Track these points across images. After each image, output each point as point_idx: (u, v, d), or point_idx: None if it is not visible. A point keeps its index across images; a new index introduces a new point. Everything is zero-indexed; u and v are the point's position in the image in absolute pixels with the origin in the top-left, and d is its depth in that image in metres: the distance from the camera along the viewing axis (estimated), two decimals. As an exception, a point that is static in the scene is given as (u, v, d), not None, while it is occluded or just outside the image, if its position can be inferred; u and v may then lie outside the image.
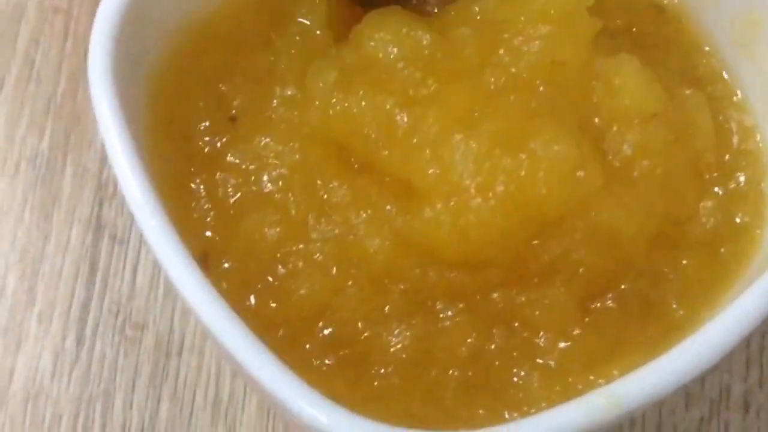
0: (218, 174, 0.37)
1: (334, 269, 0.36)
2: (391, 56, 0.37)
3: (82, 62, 0.34)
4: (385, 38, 0.38)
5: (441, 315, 0.35)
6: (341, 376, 0.35)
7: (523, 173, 0.34)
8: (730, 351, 0.31)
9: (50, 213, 0.48)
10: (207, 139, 0.38)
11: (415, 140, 0.35)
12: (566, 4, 0.37)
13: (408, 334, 0.35)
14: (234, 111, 0.38)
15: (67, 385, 0.45)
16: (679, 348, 0.30)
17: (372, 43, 0.38)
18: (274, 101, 0.38)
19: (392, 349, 0.35)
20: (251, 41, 0.39)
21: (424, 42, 0.38)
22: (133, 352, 0.45)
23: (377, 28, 0.38)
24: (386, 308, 0.35)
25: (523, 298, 0.35)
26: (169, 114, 0.38)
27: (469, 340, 0.35)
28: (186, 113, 0.38)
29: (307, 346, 0.35)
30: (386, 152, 0.36)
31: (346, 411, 0.31)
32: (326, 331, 0.36)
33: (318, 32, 0.39)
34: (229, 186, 0.37)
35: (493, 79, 0.36)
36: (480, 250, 0.34)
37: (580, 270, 0.35)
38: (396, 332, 0.35)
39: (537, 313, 0.35)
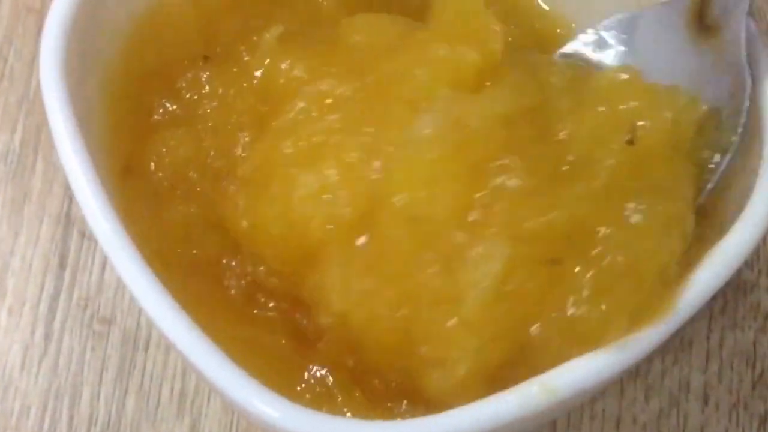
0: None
1: None
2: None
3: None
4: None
5: None
6: None
7: None
8: (663, 343, 0.31)
9: (21, 208, 0.49)
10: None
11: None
12: None
13: None
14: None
15: (35, 378, 0.46)
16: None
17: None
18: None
19: None
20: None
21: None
22: (100, 347, 0.46)
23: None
24: None
25: None
26: (128, 107, 0.38)
27: None
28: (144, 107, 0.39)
29: None
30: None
31: (297, 405, 0.31)
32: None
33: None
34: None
35: None
36: None
37: None
38: None
39: None
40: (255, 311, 0.37)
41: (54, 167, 0.49)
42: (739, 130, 0.36)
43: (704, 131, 0.37)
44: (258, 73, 0.38)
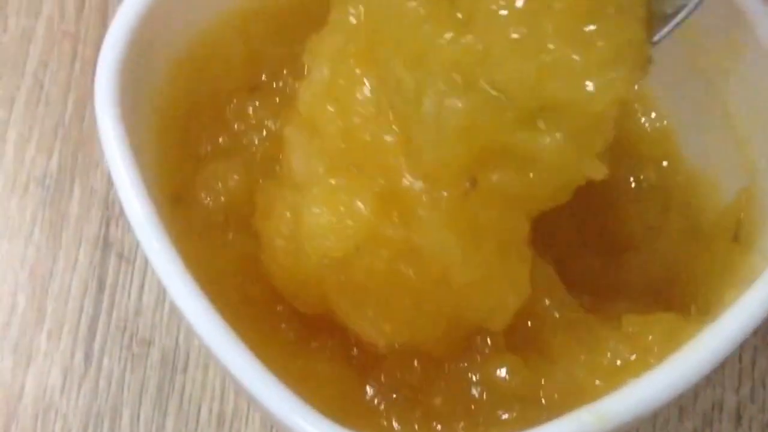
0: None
1: None
2: None
3: (90, 85, 0.35)
4: None
5: None
6: None
7: None
8: (718, 365, 0.32)
9: (59, 232, 0.49)
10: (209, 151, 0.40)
11: None
12: None
13: None
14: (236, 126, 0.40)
15: (76, 401, 0.46)
16: (668, 363, 0.31)
17: None
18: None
19: None
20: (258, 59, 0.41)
21: None
22: (139, 368, 0.47)
23: None
24: None
25: None
26: (177, 137, 0.39)
27: None
28: (193, 137, 0.40)
29: None
30: None
31: (341, 427, 0.32)
32: None
33: None
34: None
35: None
36: None
37: None
38: None
39: None
40: (307, 341, 0.38)
41: (91, 191, 0.50)
42: None
43: None
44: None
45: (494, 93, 0.31)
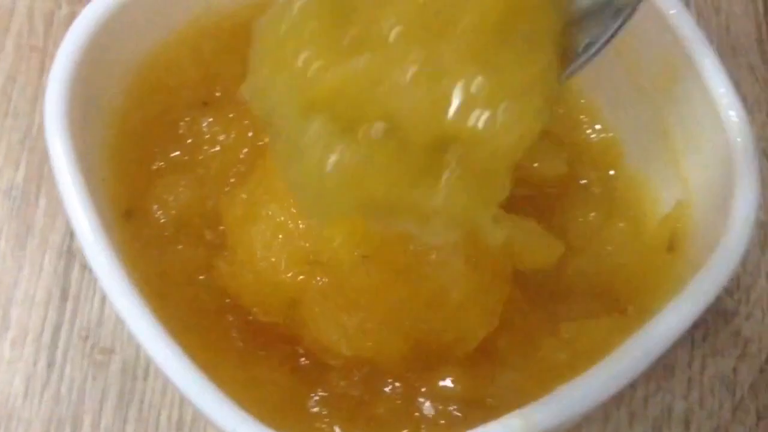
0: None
1: None
2: None
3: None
4: None
5: None
6: None
7: None
8: (640, 374, 0.33)
9: (24, 242, 0.50)
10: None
11: None
12: None
13: None
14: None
15: (38, 407, 0.47)
16: (593, 370, 0.32)
17: None
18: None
19: None
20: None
21: None
22: (101, 376, 0.48)
23: None
24: None
25: None
26: (130, 152, 0.40)
27: None
28: (146, 151, 0.41)
29: None
30: None
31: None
32: None
33: None
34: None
35: None
36: None
37: None
38: None
39: None
40: (255, 351, 0.39)
41: (56, 202, 0.51)
42: None
43: None
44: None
45: (379, 135, 0.28)
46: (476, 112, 0.27)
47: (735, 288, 0.50)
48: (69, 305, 0.49)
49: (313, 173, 0.28)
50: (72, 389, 0.47)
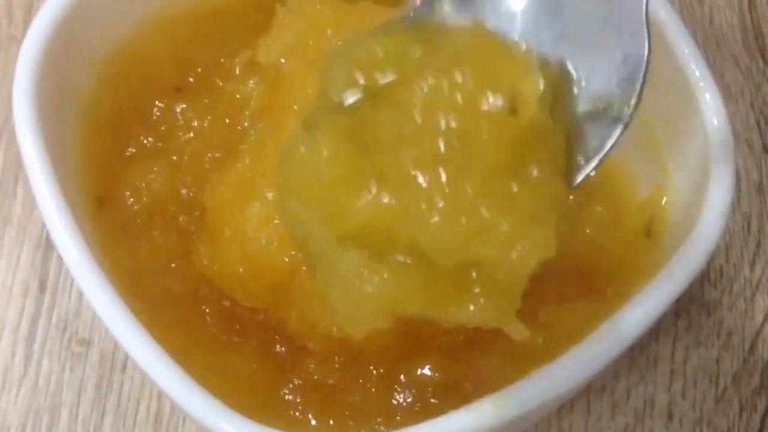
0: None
1: None
2: None
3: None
4: None
5: None
6: None
7: None
8: (612, 361, 0.32)
9: (2, 233, 0.50)
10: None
11: None
12: None
13: None
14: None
15: (15, 399, 0.47)
16: (567, 355, 0.32)
17: None
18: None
19: None
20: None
21: None
22: (78, 368, 0.47)
23: None
24: None
25: None
26: (102, 139, 0.40)
27: None
28: (118, 138, 0.40)
29: None
30: None
31: (267, 428, 0.32)
32: None
33: None
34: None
35: None
36: None
37: None
38: None
39: None
40: (230, 338, 0.38)
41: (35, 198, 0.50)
42: (633, 101, 0.32)
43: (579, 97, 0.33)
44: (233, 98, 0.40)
45: (409, 260, 0.30)
46: (497, 244, 0.30)
47: (718, 279, 0.50)
48: (47, 297, 0.49)
49: (353, 296, 0.31)
50: (50, 381, 0.47)
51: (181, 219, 0.40)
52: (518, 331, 0.31)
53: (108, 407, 0.46)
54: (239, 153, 0.39)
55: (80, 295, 0.49)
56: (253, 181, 0.37)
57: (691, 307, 0.49)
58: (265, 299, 0.38)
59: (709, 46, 0.56)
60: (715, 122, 0.35)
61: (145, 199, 0.39)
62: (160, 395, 0.47)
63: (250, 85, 0.40)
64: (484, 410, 0.31)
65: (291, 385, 0.37)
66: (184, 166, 0.40)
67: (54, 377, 0.47)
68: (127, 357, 0.47)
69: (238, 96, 0.41)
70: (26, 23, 0.54)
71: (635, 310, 0.33)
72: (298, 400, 0.37)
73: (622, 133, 0.32)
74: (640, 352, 0.48)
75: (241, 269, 0.38)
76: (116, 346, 0.48)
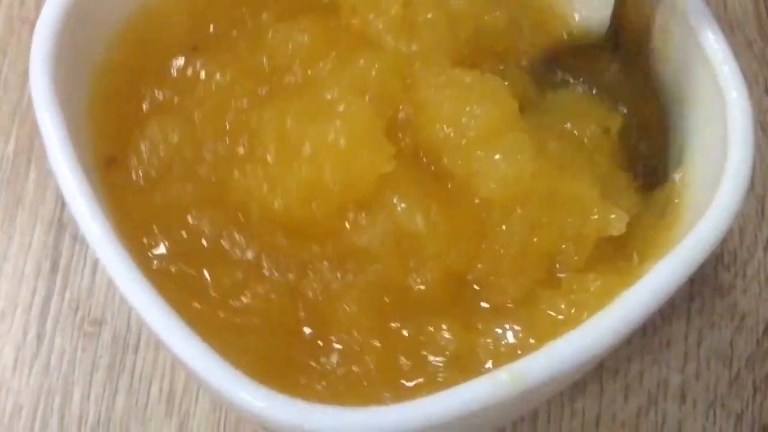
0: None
1: None
2: None
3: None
4: None
5: None
6: None
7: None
8: (629, 332, 0.32)
9: (14, 214, 0.50)
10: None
11: None
12: None
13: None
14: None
15: (27, 378, 0.47)
16: (583, 326, 0.32)
17: None
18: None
19: None
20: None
21: None
22: (91, 347, 0.47)
23: None
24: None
25: None
26: (118, 97, 0.40)
27: None
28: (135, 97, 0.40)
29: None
30: None
31: (282, 395, 0.32)
32: None
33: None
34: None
35: None
36: None
37: None
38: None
39: None
40: (245, 300, 0.38)
41: (46, 174, 0.50)
42: None
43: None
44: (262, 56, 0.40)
45: None
46: None
47: (732, 262, 0.50)
48: (59, 277, 0.49)
49: None
50: (62, 360, 0.47)
51: (200, 169, 0.40)
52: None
53: (120, 386, 0.46)
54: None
55: (93, 275, 0.49)
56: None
57: (704, 289, 0.49)
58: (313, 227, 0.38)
59: (723, 30, 0.55)
60: (735, 103, 0.35)
61: (162, 152, 0.39)
62: (173, 374, 0.47)
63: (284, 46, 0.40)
64: (501, 379, 0.31)
65: (302, 349, 0.37)
66: (208, 119, 0.40)
67: (66, 357, 0.47)
68: (139, 336, 0.47)
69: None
70: (38, 6, 0.54)
71: (653, 281, 0.33)
72: (312, 365, 0.36)
73: None
74: (653, 334, 0.48)
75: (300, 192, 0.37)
76: (129, 325, 0.48)
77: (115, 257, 0.32)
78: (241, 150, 0.39)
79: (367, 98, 0.38)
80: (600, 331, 0.32)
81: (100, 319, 0.48)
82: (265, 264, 0.38)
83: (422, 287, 0.37)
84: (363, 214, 0.37)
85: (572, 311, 0.35)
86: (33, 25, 0.52)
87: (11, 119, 0.52)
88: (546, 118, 0.40)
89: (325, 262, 0.38)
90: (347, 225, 0.37)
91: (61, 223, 0.50)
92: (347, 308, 0.37)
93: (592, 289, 0.35)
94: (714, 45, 0.36)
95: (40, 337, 0.47)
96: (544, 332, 0.34)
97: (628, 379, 0.47)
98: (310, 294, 0.38)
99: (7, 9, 0.54)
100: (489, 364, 0.35)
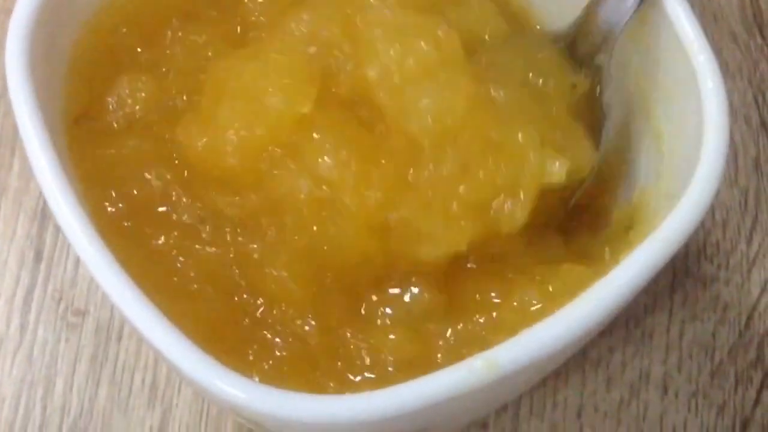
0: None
1: None
2: None
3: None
4: None
5: None
6: None
7: None
8: (603, 321, 0.32)
9: (-3, 205, 0.50)
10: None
11: None
12: None
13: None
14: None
15: (10, 369, 0.47)
16: (559, 313, 0.32)
17: None
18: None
19: None
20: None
21: None
22: (74, 338, 0.47)
23: None
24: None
25: None
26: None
27: None
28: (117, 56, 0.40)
29: None
30: None
31: (261, 385, 0.32)
32: None
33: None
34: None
35: None
36: None
37: None
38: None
39: None
40: (190, 264, 0.38)
41: (30, 165, 0.50)
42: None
43: None
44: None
45: None
46: None
47: (715, 253, 0.50)
48: (42, 267, 0.49)
49: None
50: (44, 351, 0.47)
51: (158, 127, 0.40)
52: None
53: (103, 377, 0.47)
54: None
55: (76, 266, 0.49)
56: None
57: (687, 281, 0.49)
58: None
59: (707, 22, 0.56)
60: (711, 93, 0.35)
61: (130, 108, 0.40)
62: (156, 365, 0.47)
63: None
64: (476, 366, 0.31)
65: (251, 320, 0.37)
66: (174, 78, 0.40)
67: (49, 347, 0.47)
68: (122, 327, 0.47)
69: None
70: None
71: (626, 272, 0.33)
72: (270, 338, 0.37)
73: None
74: (636, 325, 0.48)
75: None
76: (112, 315, 0.48)
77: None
78: (187, 105, 0.40)
79: (310, 47, 0.38)
80: (575, 319, 0.32)
81: (83, 309, 0.48)
82: (206, 225, 0.38)
83: (344, 243, 0.37)
84: (286, 161, 0.37)
85: (545, 300, 0.35)
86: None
87: (-6, 111, 0.52)
88: (508, 65, 0.40)
89: (257, 220, 0.38)
90: (273, 173, 0.37)
91: (45, 213, 0.50)
92: (275, 273, 0.37)
93: (566, 277, 0.35)
94: (690, 34, 0.36)
95: (23, 327, 0.47)
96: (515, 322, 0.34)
97: (610, 370, 0.48)
98: (243, 257, 0.38)
99: (-9, 0, 0.54)
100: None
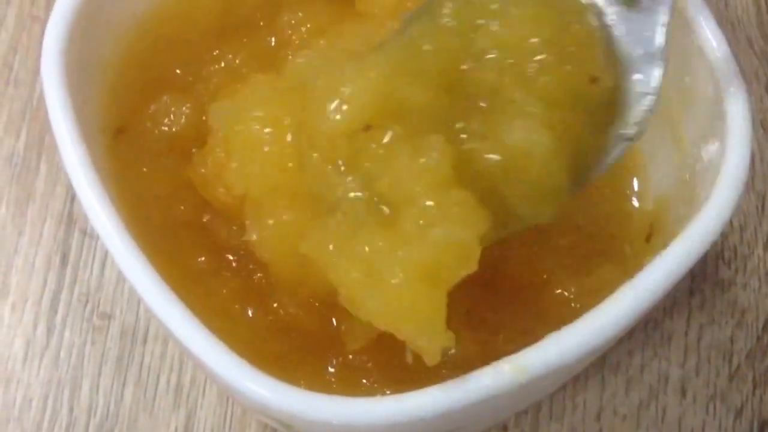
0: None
1: None
2: None
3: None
4: None
5: None
6: None
7: None
8: (629, 325, 0.33)
9: (25, 209, 0.51)
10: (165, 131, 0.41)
11: None
12: None
13: None
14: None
15: (37, 371, 0.47)
16: (582, 319, 0.33)
17: None
18: None
19: None
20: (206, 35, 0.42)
21: None
22: (100, 340, 0.48)
23: None
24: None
25: None
26: (124, 114, 0.40)
27: None
28: (142, 113, 0.41)
29: None
30: None
31: (287, 385, 0.33)
32: None
33: None
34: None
35: None
36: None
37: None
38: None
39: None
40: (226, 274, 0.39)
41: (56, 169, 0.51)
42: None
43: None
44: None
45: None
46: None
47: (732, 258, 0.51)
48: (68, 271, 0.49)
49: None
50: (71, 353, 0.48)
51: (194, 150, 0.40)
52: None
53: (129, 379, 0.47)
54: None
55: (102, 269, 0.49)
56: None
57: (705, 285, 0.50)
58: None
59: (724, 29, 0.56)
60: (733, 100, 0.36)
61: (165, 129, 0.40)
62: (181, 367, 0.47)
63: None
64: (503, 370, 0.31)
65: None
66: (207, 97, 0.41)
67: (75, 350, 0.48)
68: (148, 330, 0.48)
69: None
70: (48, 4, 0.55)
71: (650, 278, 0.33)
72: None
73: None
74: (654, 328, 0.49)
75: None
76: (137, 318, 0.48)
77: (112, 229, 0.34)
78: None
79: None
80: (601, 324, 0.32)
81: (109, 312, 0.48)
82: (239, 251, 0.39)
83: None
84: None
85: (572, 305, 0.36)
86: (43, 22, 0.53)
87: (22, 115, 0.53)
88: None
89: None
90: None
91: (71, 217, 0.50)
92: None
93: (593, 285, 0.36)
94: (712, 43, 0.37)
95: (50, 330, 0.48)
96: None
97: (629, 373, 0.48)
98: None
99: (18, 7, 0.55)
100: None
